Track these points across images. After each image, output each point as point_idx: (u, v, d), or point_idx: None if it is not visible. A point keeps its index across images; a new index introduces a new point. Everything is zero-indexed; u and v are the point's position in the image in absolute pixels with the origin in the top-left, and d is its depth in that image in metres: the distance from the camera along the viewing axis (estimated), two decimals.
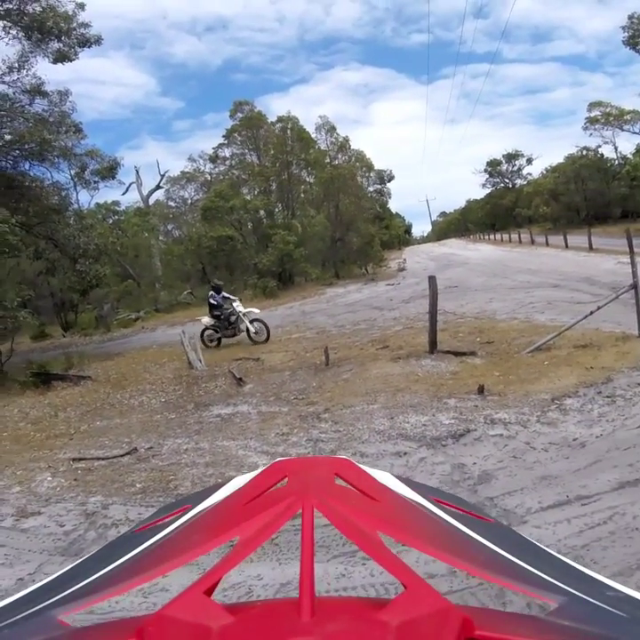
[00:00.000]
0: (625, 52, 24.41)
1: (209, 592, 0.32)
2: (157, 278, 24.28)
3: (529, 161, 44.97)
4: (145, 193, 27.80)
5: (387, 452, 3.97)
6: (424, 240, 71.08)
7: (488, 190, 49.23)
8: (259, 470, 0.53)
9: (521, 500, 2.94)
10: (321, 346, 7.75)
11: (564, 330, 6.13)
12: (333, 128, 24.76)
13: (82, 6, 10.47)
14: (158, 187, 28.48)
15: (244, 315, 10.14)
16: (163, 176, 28.27)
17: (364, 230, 23.16)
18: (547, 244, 24.88)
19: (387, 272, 22.85)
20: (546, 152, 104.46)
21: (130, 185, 25.73)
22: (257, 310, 10.77)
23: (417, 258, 30.06)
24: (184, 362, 8.29)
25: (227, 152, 25.27)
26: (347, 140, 24.96)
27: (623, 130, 29.07)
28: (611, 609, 0.33)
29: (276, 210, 24.45)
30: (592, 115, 30.03)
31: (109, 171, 15.02)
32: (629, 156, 30.79)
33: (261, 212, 23.86)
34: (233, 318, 10.27)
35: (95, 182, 15.63)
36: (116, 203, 25.57)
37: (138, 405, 6.67)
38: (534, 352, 6.02)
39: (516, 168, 46.17)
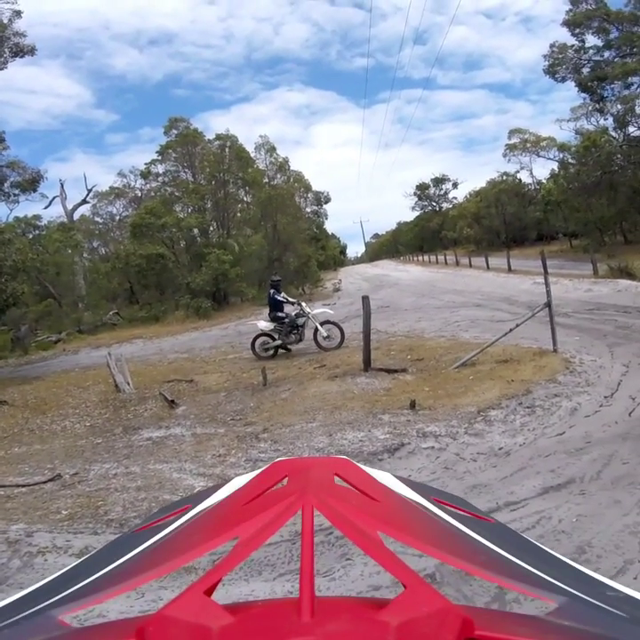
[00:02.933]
0: (546, 80, 26.34)
1: (209, 592, 0.32)
2: (81, 298, 22.96)
3: (454, 185, 47.64)
4: (70, 207, 26.43)
5: None
6: (358, 261, 72.92)
7: (417, 213, 51.40)
8: (259, 470, 0.53)
9: None
10: (258, 366, 7.69)
11: (487, 346, 6.53)
12: (273, 148, 25.01)
13: (19, 14, 9.94)
14: (84, 201, 27.15)
15: (313, 316, 8.67)
16: (90, 190, 27.04)
17: (302, 251, 23.42)
18: (470, 265, 26.47)
19: (323, 292, 23.20)
20: (472, 177, 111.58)
21: (53, 199, 24.43)
22: (330, 311, 9.29)
23: (351, 278, 30.72)
24: (110, 385, 7.87)
25: (160, 168, 24.67)
26: (286, 160, 25.30)
27: (539, 156, 31.02)
28: (611, 609, 0.34)
29: (211, 228, 24.10)
30: (511, 141, 31.85)
31: (31, 183, 14.18)
32: (544, 181, 33.46)
33: (195, 231, 23.41)
34: (301, 320, 8.68)
35: (15, 195, 14.66)
36: (37, 217, 24.03)
37: (60, 430, 6.24)
38: (460, 368, 6.36)
39: (442, 192, 48.70)
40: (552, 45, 24.39)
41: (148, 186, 26.39)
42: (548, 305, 6.41)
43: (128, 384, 7.67)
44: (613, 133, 23.41)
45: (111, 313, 21.28)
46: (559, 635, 0.30)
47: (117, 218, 28.89)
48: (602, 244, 23.60)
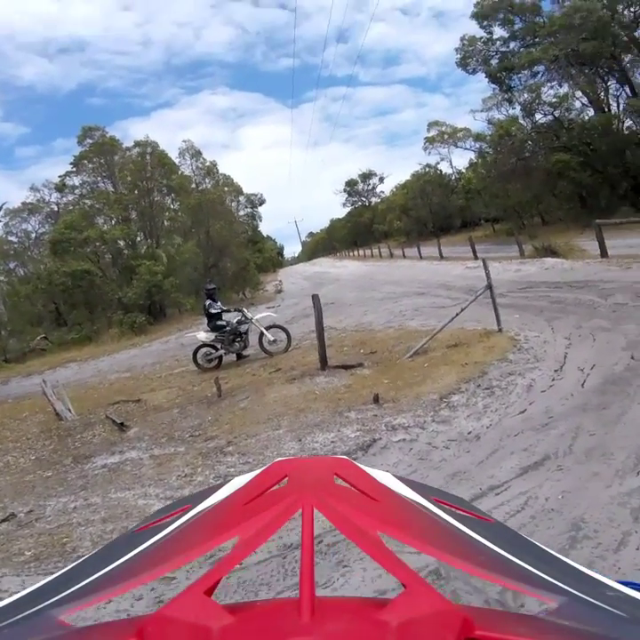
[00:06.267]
0: (459, 73, 27.66)
1: (209, 592, 0.32)
2: (2, 324, 21.16)
3: (381, 179, 49.18)
4: None
5: None
6: (296, 261, 73.09)
7: (348, 209, 52.53)
8: (259, 470, 0.52)
9: None
10: (209, 378, 7.40)
11: (436, 333, 6.68)
12: (198, 152, 24.39)
13: None
14: None
15: (257, 321, 8.37)
16: (0, 207, 24.96)
17: (238, 255, 22.99)
18: (403, 256, 27.30)
19: (265, 295, 22.93)
20: (396, 170, 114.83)
21: None
22: (273, 314, 8.96)
23: (292, 279, 30.66)
24: (50, 413, 7.27)
25: (76, 180, 23.27)
26: (214, 164, 24.77)
27: (457, 146, 32.66)
28: (611, 609, 0.34)
29: (139, 239, 23.08)
30: (430, 134, 33.31)
31: None
32: (463, 170, 35.17)
33: (121, 243, 22.31)
34: (244, 327, 8.35)
35: None
36: None
37: (3, 467, 5.66)
38: (413, 356, 6.46)
39: (370, 187, 50.06)
40: (462, 38, 25.68)
41: (64, 199, 24.89)
42: (489, 287, 6.66)
43: (69, 410, 7.12)
44: (523, 121, 24.97)
45: (38, 338, 19.81)
46: (559, 635, 0.30)
47: (33, 235, 26.95)
48: (522, 226, 25.15)
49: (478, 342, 6.43)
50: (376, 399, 5.14)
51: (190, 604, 0.30)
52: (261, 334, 8.47)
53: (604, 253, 11.09)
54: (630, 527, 2.37)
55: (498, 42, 25.53)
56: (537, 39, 23.11)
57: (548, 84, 23.89)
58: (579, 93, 23.84)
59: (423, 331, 7.58)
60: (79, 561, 0.53)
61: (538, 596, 0.35)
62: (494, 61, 25.76)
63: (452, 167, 36.65)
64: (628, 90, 22.58)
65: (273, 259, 45.05)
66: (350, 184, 50.36)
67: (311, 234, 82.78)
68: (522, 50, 24.31)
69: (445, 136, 32.87)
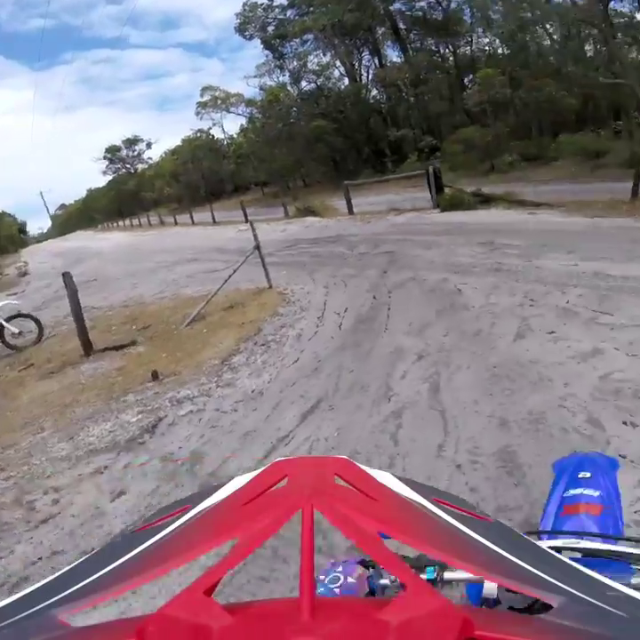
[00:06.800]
0: (237, 38, 26.98)
1: (209, 592, 0.31)
2: None
3: (148, 145, 45.47)
4: None
5: (84, 474, 3.38)
6: (45, 237, 63.90)
7: (110, 177, 47.60)
8: (258, 470, 0.51)
9: (239, 463, 3.03)
10: None
11: (211, 297, 6.61)
12: None
13: None
14: None
15: None
16: None
17: None
18: (175, 223, 26.22)
19: (5, 281, 19.08)
20: (168, 136, 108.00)
21: None
22: (14, 301, 7.55)
23: (40, 258, 26.38)
24: None
25: None
26: None
27: (230, 112, 32.27)
28: (611, 609, 0.34)
29: None
30: (203, 99, 32.14)
31: None
32: (235, 135, 35.14)
33: None
34: None
35: None
36: None
37: None
38: (192, 324, 6.28)
39: (136, 153, 45.94)
40: (245, 4, 25.46)
41: None
42: (258, 247, 6.84)
43: None
44: (291, 88, 26.09)
45: None
46: (559, 635, 0.30)
47: None
48: (287, 189, 26.66)
49: (252, 301, 6.61)
50: (155, 375, 4.82)
51: (190, 603, 0.30)
52: (1, 327, 7.03)
53: (351, 211, 12.58)
54: (392, 451, 2.73)
55: (277, 9, 25.82)
56: (312, 8, 23.92)
57: (314, 53, 25.46)
58: (338, 63, 25.97)
59: (199, 297, 7.39)
60: (79, 561, 0.50)
61: (538, 596, 0.35)
62: (271, 28, 26.05)
63: (224, 132, 36.28)
64: (377, 61, 25.55)
65: (13, 237, 38.72)
66: (111, 151, 45.19)
67: (63, 206, 72.12)
68: (297, 18, 25.00)
69: (218, 101, 32.15)
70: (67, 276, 5.76)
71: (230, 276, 6.68)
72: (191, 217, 23.57)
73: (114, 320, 7.68)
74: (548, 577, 0.37)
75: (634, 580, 0.62)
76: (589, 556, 0.70)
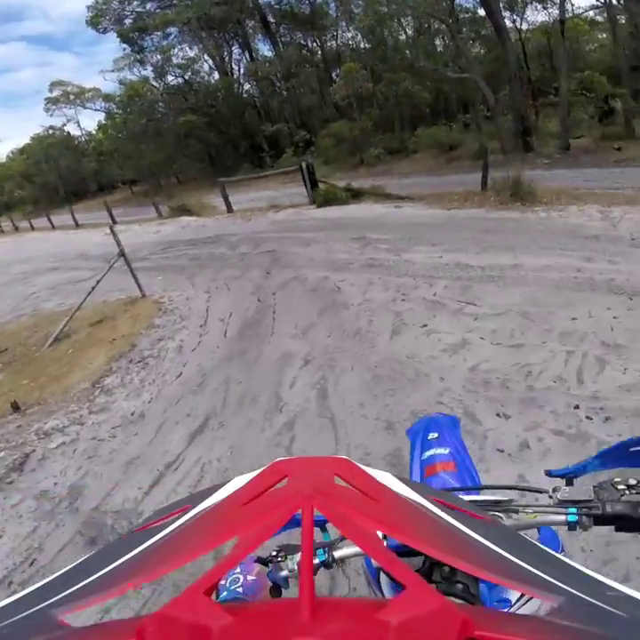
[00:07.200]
0: (92, 32, 25.02)
1: (209, 592, 0.31)
2: None
3: None
4: None
5: None
6: None
7: None
8: (258, 470, 0.49)
9: (125, 495, 2.73)
10: None
11: (74, 312, 5.93)
12: None
13: None
14: None
15: None
16: None
17: None
18: (32, 228, 23.47)
19: None
20: (17, 134, 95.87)
21: None
22: None
23: None
24: None
25: None
26: None
27: (86, 107, 29.98)
28: (611, 609, 0.34)
29: None
30: (53, 94, 29.45)
31: None
32: (94, 132, 32.38)
33: None
34: None
35: None
36: None
37: None
38: (55, 345, 5.59)
39: None
40: None
41: None
42: (122, 253, 6.31)
43: None
44: (154, 83, 24.54)
45: None
46: (559, 635, 0.31)
47: None
48: (159, 187, 25.20)
49: (124, 313, 6.08)
50: (15, 407, 4.20)
51: (190, 603, 0.30)
52: None
53: (229, 209, 12.26)
54: None
55: (135, 2, 24.04)
56: (174, 1, 22.79)
57: (179, 47, 24.36)
58: (207, 56, 24.96)
59: (62, 312, 6.61)
60: (79, 561, 0.49)
61: (538, 596, 0.35)
62: (129, 21, 24.36)
63: (81, 129, 33.13)
64: (248, 55, 24.99)
65: None
66: None
67: None
68: (158, 11, 23.51)
69: (71, 96, 29.19)
70: None
71: (94, 288, 6.06)
72: (49, 220, 21.19)
73: None
74: (548, 577, 0.37)
75: (507, 523, 0.69)
76: None
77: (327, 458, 0.51)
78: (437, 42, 20.80)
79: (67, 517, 2.72)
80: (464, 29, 18.03)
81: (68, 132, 32.86)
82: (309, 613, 0.29)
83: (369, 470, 0.51)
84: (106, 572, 0.41)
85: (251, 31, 24.95)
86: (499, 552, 0.42)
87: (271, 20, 24.02)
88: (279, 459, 0.50)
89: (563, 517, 0.66)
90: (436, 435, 1.21)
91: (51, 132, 32.24)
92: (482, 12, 16.44)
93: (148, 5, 24.51)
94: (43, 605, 0.38)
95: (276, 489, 0.44)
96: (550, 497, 0.70)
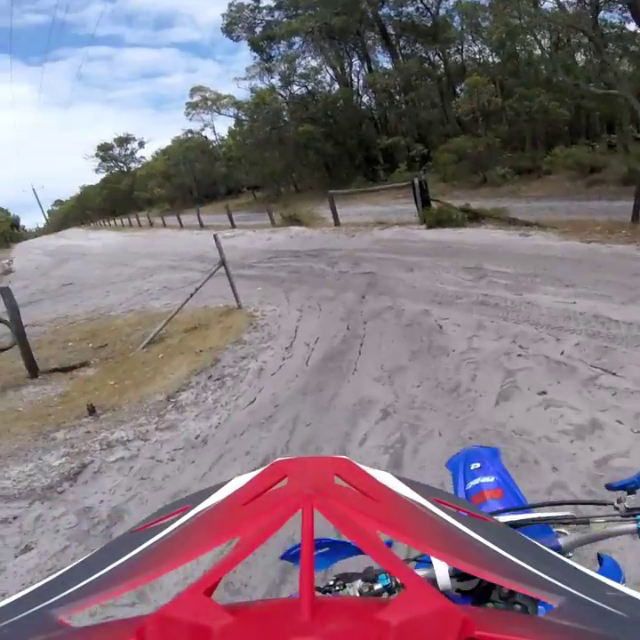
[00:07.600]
0: (231, 40, 26.87)
1: (209, 592, 0.32)
2: None
3: (141, 144, 45.37)
4: None
5: None
6: (42, 232, 64.51)
7: (103, 175, 47.39)
8: (259, 470, 0.50)
9: None
10: None
11: (171, 317, 6.08)
12: None
13: None
14: None
15: None
16: None
17: None
18: (164, 225, 25.71)
19: None
20: (162, 135, 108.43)
21: None
22: None
23: (30, 255, 25.98)
24: None
25: None
26: None
27: (220, 113, 32.17)
28: (611, 609, 0.34)
29: None
30: (193, 99, 32.01)
31: None
32: (225, 137, 34.82)
33: None
34: None
35: None
36: None
37: None
38: (149, 346, 5.74)
39: (128, 152, 45.68)
40: (231, 4, 25.11)
41: None
42: (223, 263, 6.33)
43: None
44: (281, 91, 25.69)
45: None
46: (559, 635, 0.31)
47: None
48: (278, 194, 26.19)
49: (217, 323, 6.08)
50: (91, 410, 4.29)
51: (190, 603, 0.30)
52: None
53: (337, 222, 12.09)
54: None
55: (264, 10, 25.57)
56: (299, 10, 23.68)
57: (303, 56, 25.18)
58: (328, 67, 25.65)
59: (165, 313, 6.86)
60: (79, 561, 0.49)
61: (538, 596, 0.35)
62: (259, 30, 25.85)
63: (215, 134, 35.91)
64: (367, 67, 25.22)
65: (5, 232, 38.35)
66: (104, 148, 44.80)
67: (59, 202, 71.70)
68: (284, 20, 24.68)
69: (208, 102, 31.84)
70: (7, 293, 5.18)
71: (192, 295, 6.16)
72: (179, 219, 23.01)
73: (73, 334, 7.13)
74: (548, 577, 0.38)
75: (561, 542, 0.73)
76: (516, 527, 0.73)
77: (327, 458, 0.50)
78: (578, 57, 18.85)
79: (97, 542, 2.59)
80: (610, 45, 16.07)
81: (205, 137, 35.65)
82: (309, 613, 0.29)
83: (369, 470, 0.50)
84: (106, 572, 0.40)
85: (370, 43, 24.89)
86: (499, 552, 0.41)
87: (391, 31, 23.72)
88: (279, 459, 0.49)
89: (633, 525, 0.66)
90: (478, 465, 1.17)
91: (189, 135, 35.19)
92: (630, 26, 14.61)
93: (277, 14, 25.58)
94: (43, 605, 0.37)
95: (275, 489, 0.43)
96: (616, 508, 0.70)
